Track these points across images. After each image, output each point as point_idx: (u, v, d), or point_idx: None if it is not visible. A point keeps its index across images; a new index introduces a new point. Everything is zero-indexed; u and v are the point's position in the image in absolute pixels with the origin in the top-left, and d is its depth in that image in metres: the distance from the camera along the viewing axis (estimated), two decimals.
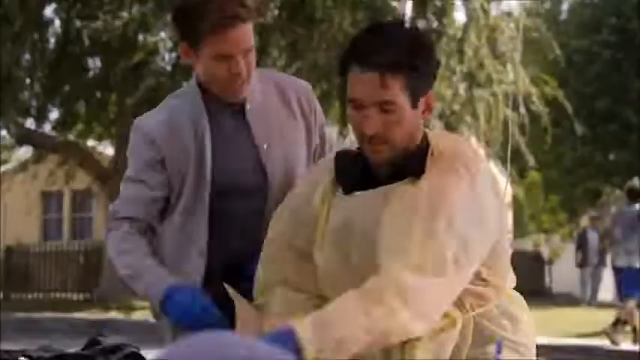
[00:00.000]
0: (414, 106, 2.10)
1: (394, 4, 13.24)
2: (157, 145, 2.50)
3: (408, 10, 4.03)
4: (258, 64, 2.52)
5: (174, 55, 15.15)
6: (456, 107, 15.14)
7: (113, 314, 14.96)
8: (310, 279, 2.22)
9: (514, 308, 2.22)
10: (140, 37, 14.57)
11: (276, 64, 14.02)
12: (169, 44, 14.76)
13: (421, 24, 14.06)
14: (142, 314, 13.88)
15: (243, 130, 2.55)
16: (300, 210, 2.25)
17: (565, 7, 26.48)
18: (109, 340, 2.30)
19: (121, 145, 15.00)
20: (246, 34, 2.42)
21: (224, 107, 2.54)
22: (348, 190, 2.18)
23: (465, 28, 14.97)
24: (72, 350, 2.30)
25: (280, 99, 2.61)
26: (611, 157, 24.58)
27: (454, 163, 2.09)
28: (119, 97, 15.85)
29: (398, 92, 2.06)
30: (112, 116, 17.10)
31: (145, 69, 14.54)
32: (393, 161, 2.12)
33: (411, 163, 2.10)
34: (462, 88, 15.18)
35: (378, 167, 2.15)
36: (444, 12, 14.75)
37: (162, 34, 14.68)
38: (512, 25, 15.98)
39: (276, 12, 14.14)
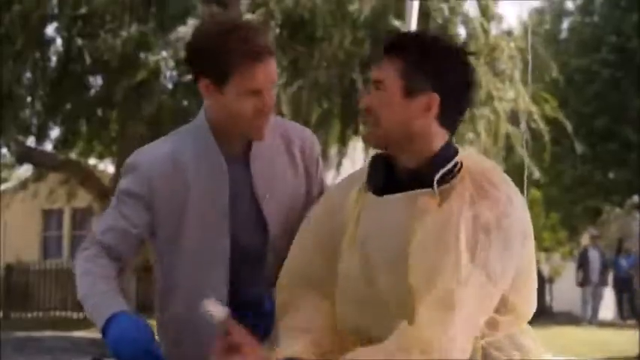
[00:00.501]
0: (407, 95, 2.09)
1: (395, 22, 13.27)
2: (154, 183, 2.43)
3: (414, 15, 4.02)
4: None
5: (175, 73, 15.17)
6: None
7: None
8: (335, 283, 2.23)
9: (524, 338, 2.19)
10: (142, 56, 14.59)
11: (277, 83, 14.02)
12: (171, 63, 14.79)
13: None
14: None
15: (247, 180, 2.47)
16: (336, 210, 2.25)
17: (565, 25, 26.51)
18: None
19: (122, 163, 14.98)
20: (273, 66, 2.34)
21: (232, 152, 2.46)
22: (377, 193, 2.18)
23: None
24: None
25: (284, 146, 2.54)
26: (611, 175, 24.55)
27: (483, 184, 2.06)
28: (120, 116, 15.86)
29: (390, 74, 2.10)
30: (113, 134, 17.09)
31: (146, 88, 14.55)
32: (416, 168, 2.12)
33: (435, 173, 2.08)
34: None
35: (401, 172, 2.15)
36: (445, 30, 14.79)
37: (164, 53, 14.70)
38: (512, 44, 16.04)
39: (277, 30, 14.16)
